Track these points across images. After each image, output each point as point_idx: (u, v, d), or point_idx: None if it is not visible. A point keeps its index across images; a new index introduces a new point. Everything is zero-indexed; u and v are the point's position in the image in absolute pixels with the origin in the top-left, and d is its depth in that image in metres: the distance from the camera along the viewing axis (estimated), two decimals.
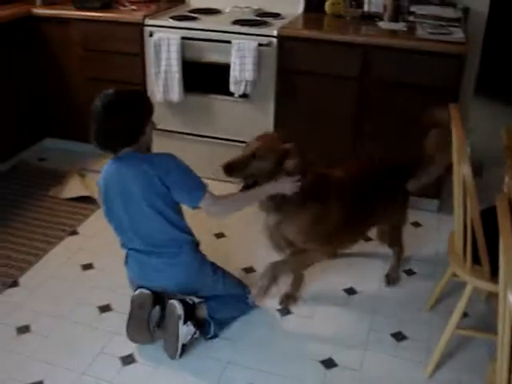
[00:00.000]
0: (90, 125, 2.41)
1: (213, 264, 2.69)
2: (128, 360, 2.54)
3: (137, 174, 2.42)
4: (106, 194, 2.54)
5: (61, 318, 2.77)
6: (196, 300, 2.64)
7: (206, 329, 2.63)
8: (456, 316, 2.37)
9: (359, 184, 2.71)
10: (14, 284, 2.98)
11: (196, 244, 2.63)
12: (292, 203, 2.53)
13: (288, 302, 2.90)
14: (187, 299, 2.59)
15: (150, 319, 2.57)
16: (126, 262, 2.66)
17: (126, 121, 2.39)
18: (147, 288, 2.60)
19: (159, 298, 2.62)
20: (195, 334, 2.57)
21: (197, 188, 2.45)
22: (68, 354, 2.56)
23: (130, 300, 2.60)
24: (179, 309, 2.50)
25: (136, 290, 2.63)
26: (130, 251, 2.62)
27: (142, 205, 2.44)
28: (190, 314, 2.56)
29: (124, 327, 2.60)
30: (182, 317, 2.50)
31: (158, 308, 2.62)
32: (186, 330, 2.51)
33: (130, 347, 2.59)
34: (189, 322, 2.52)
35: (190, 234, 2.60)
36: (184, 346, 2.54)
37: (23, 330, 2.70)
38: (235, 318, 2.77)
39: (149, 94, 3.91)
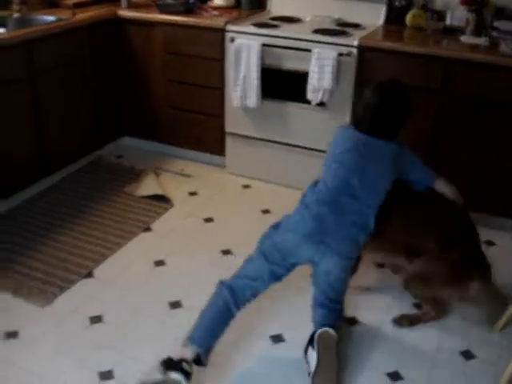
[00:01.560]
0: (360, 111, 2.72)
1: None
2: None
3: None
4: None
5: (132, 311, 2.86)
6: None
7: None
8: None
9: None
10: (89, 275, 3.09)
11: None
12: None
13: (402, 322, 2.87)
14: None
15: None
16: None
17: (401, 114, 2.70)
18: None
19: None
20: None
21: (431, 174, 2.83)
22: (138, 346, 2.64)
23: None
24: (334, 333, 2.48)
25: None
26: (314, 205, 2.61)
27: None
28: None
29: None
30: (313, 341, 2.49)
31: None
32: (311, 355, 2.48)
33: None
34: (315, 346, 2.48)
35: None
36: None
37: (96, 319, 2.80)
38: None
39: (227, 98, 4.00)
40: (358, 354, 2.65)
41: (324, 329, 2.47)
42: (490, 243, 3.53)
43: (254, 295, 2.56)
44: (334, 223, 2.53)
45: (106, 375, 2.48)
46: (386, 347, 2.70)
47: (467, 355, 2.67)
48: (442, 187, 2.83)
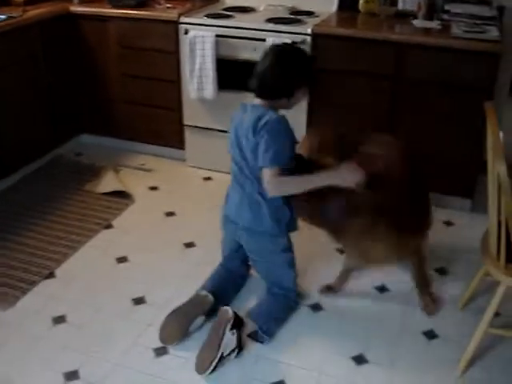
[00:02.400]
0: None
1: (290, 245, 2.73)
2: (161, 351, 2.58)
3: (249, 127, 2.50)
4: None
5: (96, 309, 2.83)
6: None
7: (259, 339, 2.64)
8: (488, 315, 2.37)
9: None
10: (51, 275, 3.06)
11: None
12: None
13: (327, 292, 2.92)
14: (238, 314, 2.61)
15: (191, 323, 2.64)
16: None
17: (291, 74, 2.48)
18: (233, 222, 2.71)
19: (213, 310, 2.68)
20: (234, 351, 2.52)
21: (274, 158, 2.43)
22: (103, 344, 2.62)
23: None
24: (231, 313, 2.52)
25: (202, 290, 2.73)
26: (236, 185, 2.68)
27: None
28: (238, 325, 2.56)
29: (157, 319, 2.66)
30: (231, 322, 2.50)
31: (204, 318, 2.69)
32: (230, 337, 2.49)
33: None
34: (234, 331, 2.51)
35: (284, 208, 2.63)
36: (219, 361, 2.47)
37: (59, 320, 2.77)
38: (285, 320, 2.76)
39: (183, 91, 3.97)
40: (323, 340, 2.67)
41: (225, 307, 2.55)
42: (449, 223, 3.59)
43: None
44: (236, 200, 2.65)
45: (72, 376, 2.45)
46: (349, 332, 2.72)
47: (430, 335, 2.71)
48: None
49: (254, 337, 2.64)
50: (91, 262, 3.17)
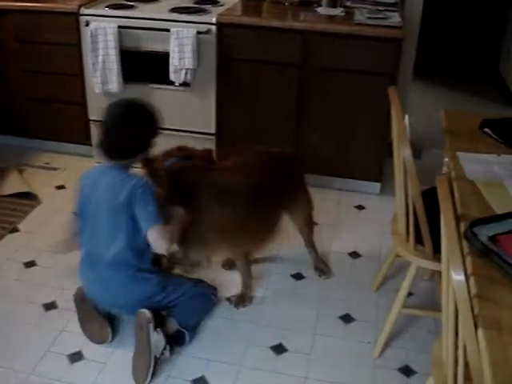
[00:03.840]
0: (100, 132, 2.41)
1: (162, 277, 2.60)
2: (76, 357, 2.49)
3: (113, 188, 2.38)
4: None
5: (4, 317, 2.69)
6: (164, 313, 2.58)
7: (181, 340, 2.54)
8: (401, 295, 2.42)
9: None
10: None
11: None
12: None
13: (240, 302, 2.83)
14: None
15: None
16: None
17: (140, 133, 2.40)
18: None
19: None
20: (165, 349, 2.44)
21: (154, 218, 2.37)
22: (13, 354, 2.49)
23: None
24: (148, 314, 2.42)
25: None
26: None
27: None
28: (160, 322, 2.49)
29: (71, 324, 2.58)
30: (153, 321, 2.41)
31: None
32: (156, 338, 2.40)
33: (77, 344, 2.54)
34: (159, 329, 2.42)
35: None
36: (155, 364, 2.39)
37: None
38: (204, 317, 2.71)
39: (87, 85, 3.84)
40: (240, 332, 2.66)
41: (141, 310, 2.45)
42: (360, 207, 3.66)
43: None
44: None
45: None
46: (266, 322, 2.72)
47: (347, 319, 2.75)
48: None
49: (175, 334, 2.58)
50: None
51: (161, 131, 2.49)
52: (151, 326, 2.39)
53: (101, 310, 2.57)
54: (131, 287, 2.46)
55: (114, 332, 2.59)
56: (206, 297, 2.72)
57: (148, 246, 2.42)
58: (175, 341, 2.52)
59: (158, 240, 2.38)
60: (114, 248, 2.42)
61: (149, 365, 2.36)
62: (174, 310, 2.57)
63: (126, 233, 2.39)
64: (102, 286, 2.48)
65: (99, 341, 2.55)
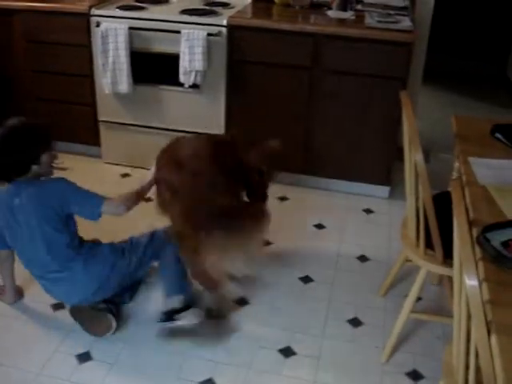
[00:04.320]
0: None
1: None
2: (84, 358, 2.49)
3: (28, 203, 2.43)
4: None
5: (12, 318, 2.71)
6: None
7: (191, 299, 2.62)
8: (410, 300, 2.41)
9: None
10: None
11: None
12: None
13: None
14: None
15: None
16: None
17: (14, 155, 2.41)
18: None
19: None
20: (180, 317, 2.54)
21: (96, 205, 2.49)
22: (22, 354, 2.50)
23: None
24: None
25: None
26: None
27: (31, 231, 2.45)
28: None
29: (79, 325, 2.59)
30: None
31: None
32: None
33: (85, 345, 2.55)
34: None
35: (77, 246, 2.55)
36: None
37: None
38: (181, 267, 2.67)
39: (97, 86, 3.85)
40: (248, 334, 2.66)
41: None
42: (369, 211, 3.65)
43: None
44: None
45: None
46: (274, 325, 2.71)
47: (355, 323, 2.74)
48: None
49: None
50: None
51: (49, 144, 2.52)
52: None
53: (94, 305, 2.59)
54: (91, 269, 2.50)
55: (118, 318, 2.62)
56: (167, 246, 2.66)
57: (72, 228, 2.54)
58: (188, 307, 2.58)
59: (115, 211, 2.52)
60: (52, 253, 2.46)
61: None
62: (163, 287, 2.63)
63: (57, 233, 2.45)
64: (68, 286, 2.52)
65: (105, 332, 2.58)
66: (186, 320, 2.54)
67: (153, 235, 2.66)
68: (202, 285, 2.77)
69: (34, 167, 2.45)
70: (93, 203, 2.49)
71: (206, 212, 2.50)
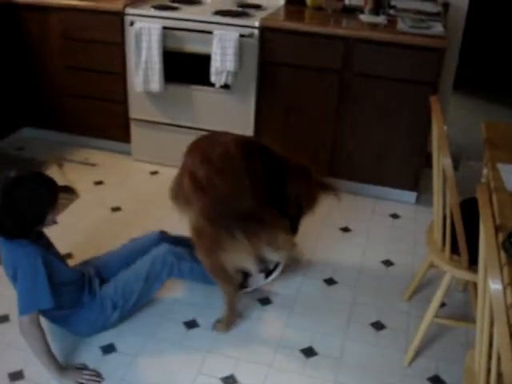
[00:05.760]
0: None
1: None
2: (108, 349, 2.53)
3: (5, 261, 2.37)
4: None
5: None
6: None
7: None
8: (434, 305, 2.41)
9: None
10: None
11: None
12: None
13: (219, 327, 2.70)
14: None
15: None
16: None
17: (17, 221, 2.26)
18: None
19: None
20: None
21: (25, 306, 2.29)
22: None
23: None
24: None
25: None
26: None
27: None
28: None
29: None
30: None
31: None
32: None
33: (109, 337, 2.60)
34: None
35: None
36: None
37: (2, 319, 2.69)
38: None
39: (129, 84, 3.90)
40: (271, 333, 2.68)
41: None
42: (395, 216, 3.64)
43: None
44: None
45: (16, 376, 2.37)
46: (297, 325, 2.73)
47: (378, 326, 2.74)
48: None
49: None
50: None
51: (56, 201, 2.37)
52: None
53: None
54: (86, 315, 2.53)
55: None
56: (180, 261, 2.68)
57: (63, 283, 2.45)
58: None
59: (23, 328, 2.30)
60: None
61: None
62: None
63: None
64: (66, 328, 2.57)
65: None
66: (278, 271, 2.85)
67: (150, 267, 2.63)
68: (217, 281, 2.70)
69: (37, 227, 2.35)
70: (24, 302, 2.28)
71: (228, 211, 2.48)
